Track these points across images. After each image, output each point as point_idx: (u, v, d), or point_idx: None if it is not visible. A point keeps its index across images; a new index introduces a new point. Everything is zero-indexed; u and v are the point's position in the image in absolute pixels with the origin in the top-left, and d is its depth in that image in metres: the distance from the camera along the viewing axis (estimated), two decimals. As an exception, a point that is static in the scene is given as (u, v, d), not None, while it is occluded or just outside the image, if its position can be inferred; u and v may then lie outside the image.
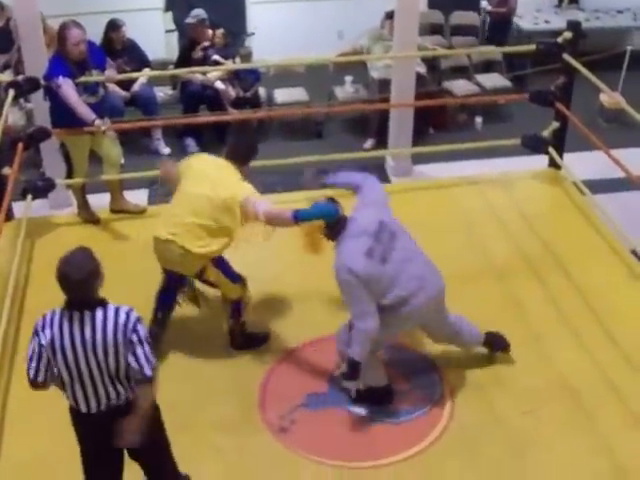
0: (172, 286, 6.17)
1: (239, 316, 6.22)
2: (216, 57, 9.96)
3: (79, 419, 4.50)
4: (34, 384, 4.33)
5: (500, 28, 11.82)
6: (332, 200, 5.51)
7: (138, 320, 4.32)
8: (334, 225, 5.38)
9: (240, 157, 5.93)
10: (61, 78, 7.07)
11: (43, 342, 4.26)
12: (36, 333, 4.30)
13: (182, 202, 5.86)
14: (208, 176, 5.81)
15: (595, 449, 5.43)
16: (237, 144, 6.09)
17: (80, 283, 4.20)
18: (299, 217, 5.42)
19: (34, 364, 4.29)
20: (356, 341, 5.33)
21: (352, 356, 5.35)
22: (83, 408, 4.42)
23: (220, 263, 6.01)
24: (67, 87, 7.09)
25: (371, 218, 5.43)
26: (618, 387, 5.89)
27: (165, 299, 6.19)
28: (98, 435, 4.50)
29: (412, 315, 5.50)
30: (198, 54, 9.92)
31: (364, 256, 5.24)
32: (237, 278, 6.10)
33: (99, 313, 4.25)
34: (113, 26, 9.65)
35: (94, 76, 7.42)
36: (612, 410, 5.71)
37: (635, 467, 5.30)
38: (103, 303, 4.31)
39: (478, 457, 5.41)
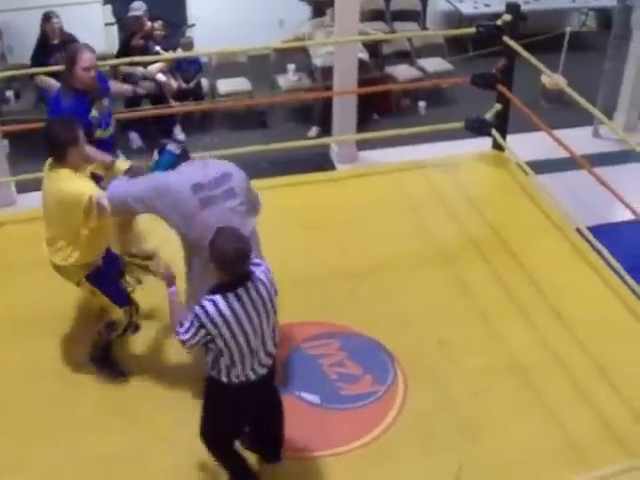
0: None
1: (108, 334, 5.86)
2: (157, 49, 9.89)
3: (244, 391, 4.65)
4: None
5: None
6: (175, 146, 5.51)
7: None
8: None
9: (59, 151, 5.33)
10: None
11: (214, 333, 4.44)
12: (203, 326, 4.44)
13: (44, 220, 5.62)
14: (48, 186, 5.47)
15: (545, 426, 5.51)
16: (48, 143, 5.40)
17: (249, 254, 4.49)
18: None
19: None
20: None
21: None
22: (252, 376, 4.63)
23: (101, 280, 5.71)
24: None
25: (219, 166, 5.44)
26: (565, 362, 5.98)
27: None
28: (257, 400, 4.86)
29: None
30: (138, 42, 9.84)
31: (190, 186, 5.20)
32: (123, 301, 5.79)
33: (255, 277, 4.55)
34: (45, 18, 9.49)
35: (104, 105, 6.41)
36: (560, 386, 5.80)
37: (583, 440, 5.40)
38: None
39: (432, 441, 5.45)
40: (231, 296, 4.43)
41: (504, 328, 6.33)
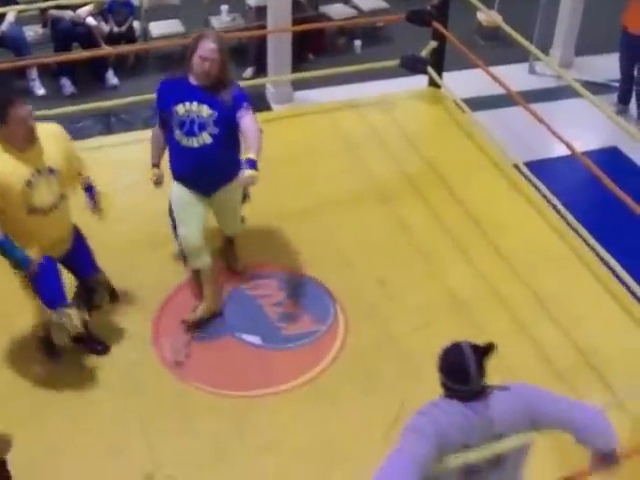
0: None
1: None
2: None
3: None
4: None
5: None
6: None
7: None
8: None
9: None
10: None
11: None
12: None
13: None
14: None
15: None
16: None
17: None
18: None
19: None
20: None
21: None
22: None
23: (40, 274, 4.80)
24: None
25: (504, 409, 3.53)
26: (505, 297, 6.03)
27: None
28: None
29: None
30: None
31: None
32: (54, 303, 4.85)
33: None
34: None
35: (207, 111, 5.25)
36: (500, 320, 5.84)
37: (523, 374, 5.38)
38: None
39: (373, 378, 5.45)
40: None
41: (444, 264, 6.36)
